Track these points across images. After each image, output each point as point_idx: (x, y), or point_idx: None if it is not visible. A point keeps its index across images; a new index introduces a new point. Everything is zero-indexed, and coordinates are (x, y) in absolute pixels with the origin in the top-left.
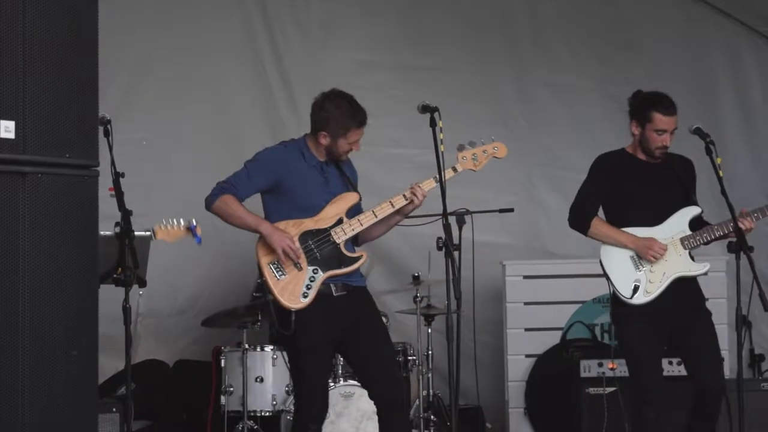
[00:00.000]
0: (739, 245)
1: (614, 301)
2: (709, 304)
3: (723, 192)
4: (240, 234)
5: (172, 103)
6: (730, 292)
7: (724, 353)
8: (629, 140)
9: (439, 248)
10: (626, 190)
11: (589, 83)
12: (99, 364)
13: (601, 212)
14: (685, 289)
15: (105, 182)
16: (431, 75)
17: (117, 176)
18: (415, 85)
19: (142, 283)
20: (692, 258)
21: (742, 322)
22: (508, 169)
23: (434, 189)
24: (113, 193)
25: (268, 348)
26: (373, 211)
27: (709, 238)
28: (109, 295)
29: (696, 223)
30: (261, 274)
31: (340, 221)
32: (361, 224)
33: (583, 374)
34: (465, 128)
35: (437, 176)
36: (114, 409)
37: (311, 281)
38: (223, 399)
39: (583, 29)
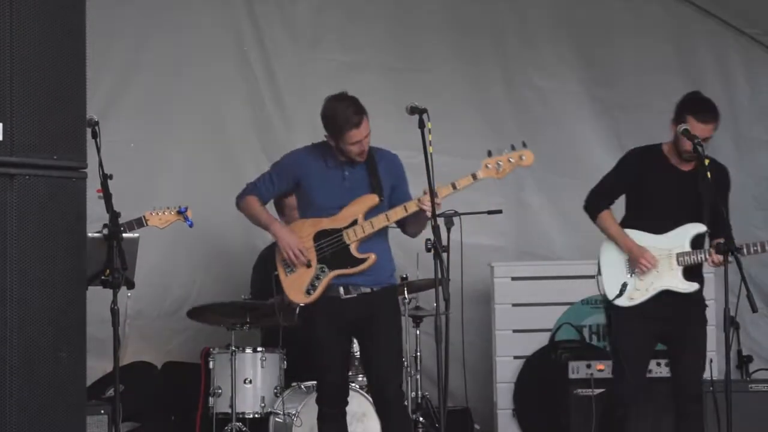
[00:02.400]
0: (727, 247)
1: (604, 296)
2: None
3: (712, 194)
4: (228, 236)
5: (159, 104)
6: (718, 294)
7: (712, 354)
8: (615, 142)
9: (428, 250)
10: (646, 190)
11: (576, 86)
12: (87, 365)
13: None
14: (678, 299)
15: (93, 184)
16: (419, 77)
17: (105, 178)
18: (403, 86)
19: (130, 285)
20: (693, 273)
21: (730, 323)
22: None
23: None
24: (101, 194)
25: (258, 350)
26: (386, 215)
27: (703, 260)
28: (97, 297)
29: (702, 238)
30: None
31: (354, 222)
32: (373, 227)
33: (571, 376)
34: (453, 130)
35: (454, 183)
36: (102, 411)
37: (317, 279)
38: (211, 401)
39: (569, 32)
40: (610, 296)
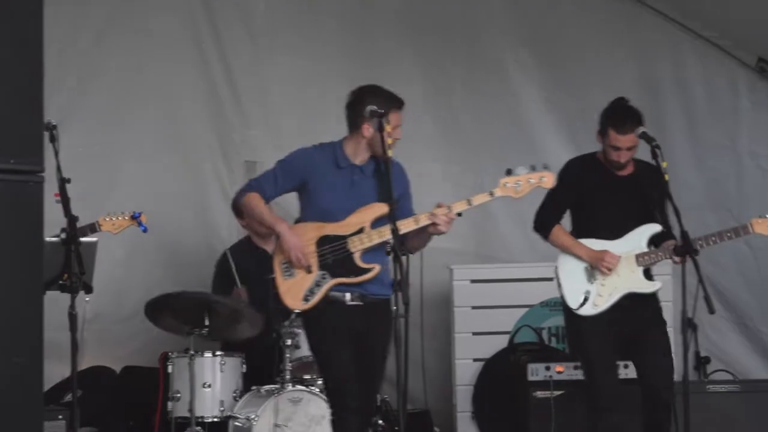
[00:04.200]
0: (685, 249)
1: (565, 308)
2: None
3: (668, 196)
4: (187, 239)
5: (118, 108)
6: (676, 295)
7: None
8: (575, 147)
9: (388, 253)
10: (591, 199)
11: (536, 91)
12: (45, 371)
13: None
14: (640, 301)
15: (50, 188)
16: (377, 80)
17: (63, 182)
18: None
19: (89, 290)
20: (649, 274)
21: (688, 325)
22: (456, 175)
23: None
24: (59, 198)
25: (217, 354)
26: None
27: (664, 258)
28: (55, 302)
29: (658, 239)
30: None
31: (360, 230)
32: (381, 237)
33: (530, 378)
34: (411, 134)
35: (470, 199)
36: (60, 417)
37: (317, 286)
38: (170, 405)
39: (528, 36)
40: (574, 306)
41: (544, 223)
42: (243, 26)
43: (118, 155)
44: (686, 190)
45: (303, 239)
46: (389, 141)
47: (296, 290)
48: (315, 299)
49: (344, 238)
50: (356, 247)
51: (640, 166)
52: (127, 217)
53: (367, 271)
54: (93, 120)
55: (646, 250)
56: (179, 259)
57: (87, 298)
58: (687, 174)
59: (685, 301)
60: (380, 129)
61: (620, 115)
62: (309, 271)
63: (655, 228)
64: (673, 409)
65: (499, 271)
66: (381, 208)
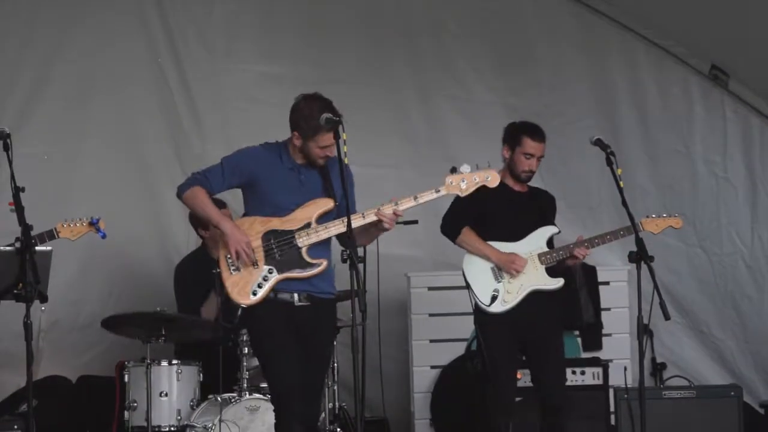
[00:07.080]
0: (640, 255)
1: (476, 308)
2: (611, 314)
3: (624, 203)
4: (143, 248)
5: (73, 116)
6: (631, 302)
7: (627, 362)
8: None
9: (344, 260)
10: (489, 212)
11: (491, 96)
12: None
13: None
14: (542, 303)
15: (5, 197)
16: (334, 88)
17: (17, 191)
18: None
19: (44, 299)
20: (549, 272)
21: (644, 331)
22: (411, 181)
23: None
24: (13, 207)
25: (173, 362)
26: (342, 221)
27: (565, 255)
28: (10, 311)
29: (552, 243)
30: (217, 265)
31: (307, 225)
32: (329, 231)
33: None
34: (369, 141)
35: (416, 195)
36: (15, 427)
37: (264, 280)
38: (127, 414)
39: (484, 42)
40: (485, 304)
41: (453, 226)
42: (198, 37)
43: (73, 165)
44: (641, 195)
45: (249, 233)
46: (328, 154)
47: (243, 285)
48: (262, 293)
49: (291, 232)
50: (304, 241)
51: (532, 189)
52: (85, 223)
53: (314, 266)
54: (48, 129)
55: (546, 249)
56: (135, 268)
57: (42, 308)
58: (642, 180)
59: (640, 308)
60: (336, 136)
61: (533, 125)
62: (255, 265)
63: (553, 230)
64: (630, 410)
65: (456, 278)
66: (327, 203)
